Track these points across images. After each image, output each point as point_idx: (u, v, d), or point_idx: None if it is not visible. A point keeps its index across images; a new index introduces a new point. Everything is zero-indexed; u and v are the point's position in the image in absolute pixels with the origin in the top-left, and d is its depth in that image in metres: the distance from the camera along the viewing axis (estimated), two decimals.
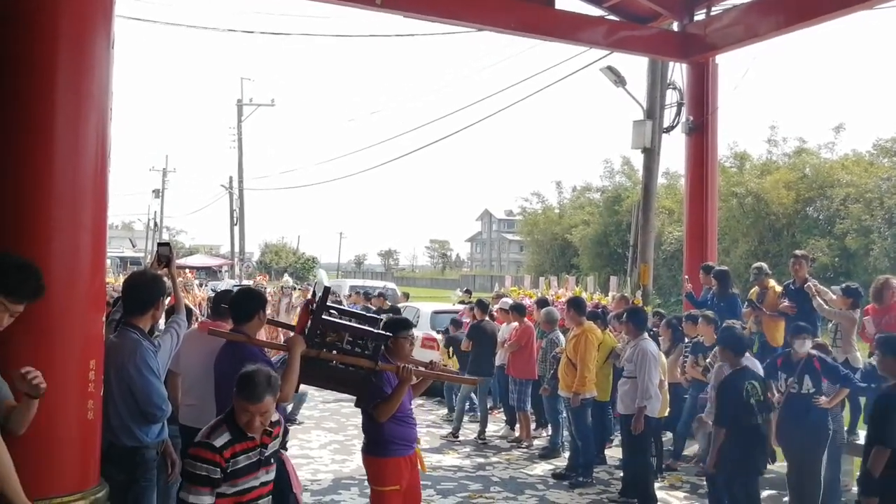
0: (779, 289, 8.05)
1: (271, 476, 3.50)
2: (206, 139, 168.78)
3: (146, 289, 4.08)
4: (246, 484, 3.35)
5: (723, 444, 5.34)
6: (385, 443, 4.65)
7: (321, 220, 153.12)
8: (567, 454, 7.97)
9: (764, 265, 8.54)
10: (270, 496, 3.54)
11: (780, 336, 7.84)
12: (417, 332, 12.10)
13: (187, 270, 23.67)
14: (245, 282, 25.32)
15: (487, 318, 9.91)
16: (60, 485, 3.38)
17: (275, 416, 3.50)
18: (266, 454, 3.41)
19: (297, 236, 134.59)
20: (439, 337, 11.60)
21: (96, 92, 3.58)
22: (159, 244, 4.72)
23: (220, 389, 4.19)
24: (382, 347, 4.53)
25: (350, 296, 16.86)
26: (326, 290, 4.57)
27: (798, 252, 8.29)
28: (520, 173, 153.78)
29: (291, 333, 4.49)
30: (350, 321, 4.70)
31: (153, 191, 51.61)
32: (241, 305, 4.33)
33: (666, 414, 7.57)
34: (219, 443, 3.25)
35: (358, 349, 4.44)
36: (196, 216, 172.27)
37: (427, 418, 10.51)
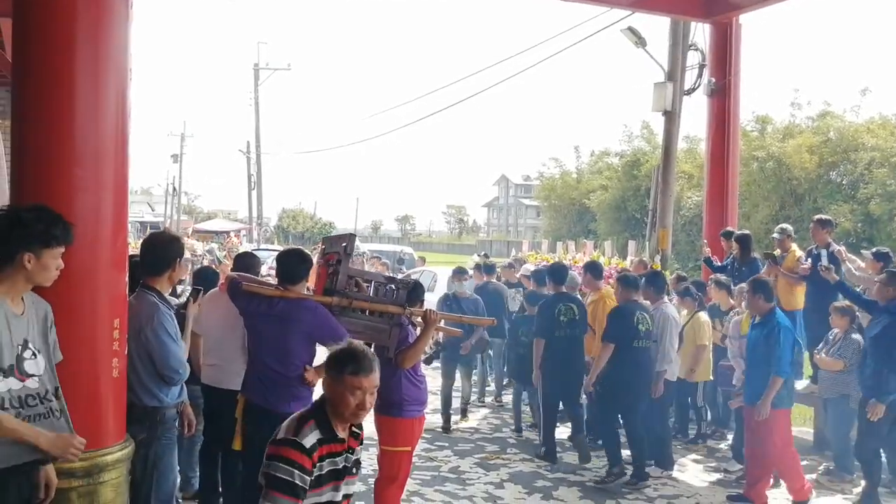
0: (799, 253, 7.97)
1: (353, 489, 2.91)
2: (223, 104, 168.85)
3: (163, 249, 4.09)
4: (322, 496, 2.72)
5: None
6: (399, 403, 4.73)
7: (338, 185, 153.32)
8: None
9: (788, 227, 8.39)
10: None
11: (795, 300, 7.75)
12: (434, 297, 12.17)
13: (233, 234, 23.82)
14: (264, 245, 25.48)
15: (494, 280, 9.87)
16: (88, 441, 3.43)
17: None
18: (352, 460, 2.83)
19: (313, 201, 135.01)
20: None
21: (115, 51, 3.57)
22: (193, 287, 4.70)
23: (297, 347, 4.18)
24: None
25: (369, 259, 16.97)
26: (352, 238, 4.60)
27: (818, 217, 8.19)
28: (537, 138, 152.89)
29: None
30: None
31: (171, 156, 51.81)
32: (292, 268, 4.30)
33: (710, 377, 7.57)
34: (308, 442, 2.65)
35: (385, 297, 4.54)
36: (214, 181, 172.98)
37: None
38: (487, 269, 9.96)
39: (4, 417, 2.68)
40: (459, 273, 8.47)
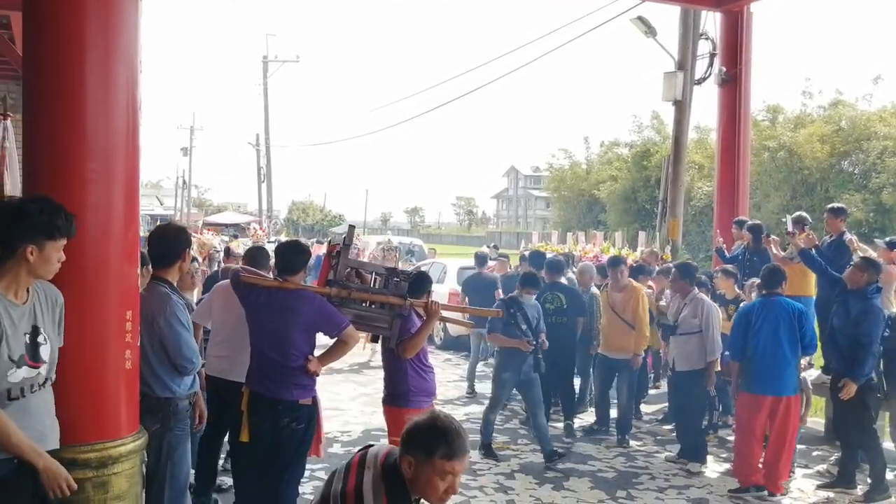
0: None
1: None
2: (232, 97, 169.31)
3: (172, 241, 4.12)
4: None
5: None
6: (406, 394, 4.78)
7: (348, 177, 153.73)
8: (593, 408, 8.02)
9: (806, 216, 8.20)
10: None
11: (805, 286, 7.68)
12: (444, 288, 12.21)
13: (257, 227, 24.12)
14: (274, 238, 25.53)
15: (484, 271, 10.24)
16: (102, 432, 3.46)
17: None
18: None
19: (323, 194, 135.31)
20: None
21: (125, 43, 3.57)
22: None
23: (297, 337, 4.17)
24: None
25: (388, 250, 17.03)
26: (351, 229, 4.66)
27: (832, 205, 8.13)
28: (547, 129, 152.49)
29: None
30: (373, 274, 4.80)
31: (181, 149, 51.91)
32: (290, 259, 4.31)
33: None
34: None
35: (386, 289, 4.57)
36: (223, 174, 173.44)
37: (455, 372, 10.62)
38: (480, 261, 10.36)
39: (13, 431, 2.68)
40: (531, 285, 6.82)
